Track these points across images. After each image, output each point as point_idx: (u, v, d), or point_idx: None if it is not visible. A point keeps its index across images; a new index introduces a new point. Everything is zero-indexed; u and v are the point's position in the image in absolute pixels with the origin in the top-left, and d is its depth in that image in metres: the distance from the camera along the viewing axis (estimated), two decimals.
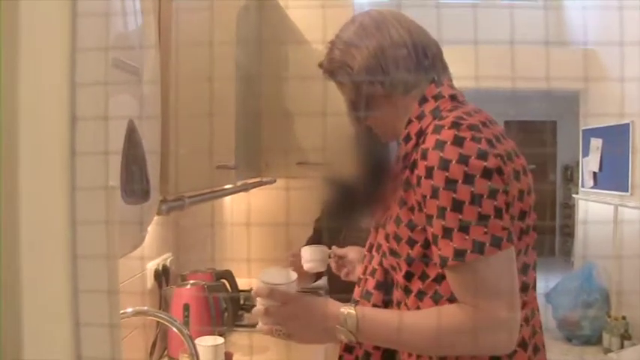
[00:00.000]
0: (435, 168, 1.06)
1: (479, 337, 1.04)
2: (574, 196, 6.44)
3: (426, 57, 1.20)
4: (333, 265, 1.68)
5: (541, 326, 1.22)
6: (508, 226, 1.06)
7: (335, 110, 1.23)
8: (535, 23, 6.31)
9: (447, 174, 1.04)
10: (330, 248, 1.71)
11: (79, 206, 0.57)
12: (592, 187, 5.74)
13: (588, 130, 5.83)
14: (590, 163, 5.77)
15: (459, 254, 1.04)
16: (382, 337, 1.14)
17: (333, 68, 1.25)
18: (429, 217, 1.08)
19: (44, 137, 0.57)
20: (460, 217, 1.04)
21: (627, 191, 5.02)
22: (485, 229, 1.03)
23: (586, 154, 5.85)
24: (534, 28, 6.19)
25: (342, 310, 1.13)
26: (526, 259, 1.15)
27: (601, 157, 5.54)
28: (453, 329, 1.06)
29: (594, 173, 5.69)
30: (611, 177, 5.36)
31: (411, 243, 1.13)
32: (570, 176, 8.53)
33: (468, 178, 1.03)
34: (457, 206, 1.04)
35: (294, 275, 1.22)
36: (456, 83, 1.26)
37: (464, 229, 1.03)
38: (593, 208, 5.65)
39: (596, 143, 5.61)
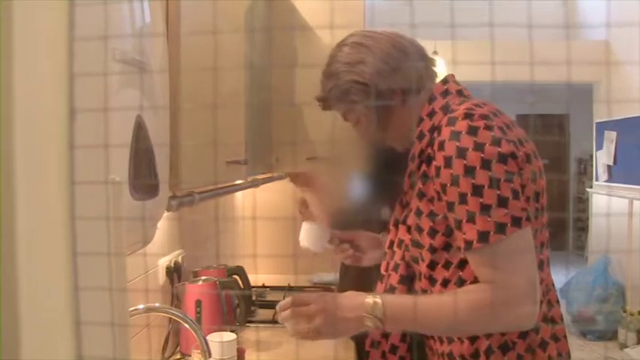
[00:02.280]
0: (453, 157, 1.11)
1: (502, 313, 1.09)
2: (588, 189, 6.38)
3: (423, 54, 1.27)
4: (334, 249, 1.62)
5: (558, 300, 1.29)
6: (525, 206, 1.11)
7: None
8: (547, 13, 6.25)
9: (464, 162, 1.10)
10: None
11: (79, 201, 0.56)
12: (606, 181, 5.68)
13: (602, 123, 5.75)
14: (604, 157, 5.70)
15: (483, 236, 1.10)
16: (408, 322, 1.16)
17: (339, 93, 1.26)
18: (451, 204, 1.13)
19: (41, 130, 0.56)
20: (481, 200, 1.09)
21: None
22: (506, 211, 1.09)
23: (600, 147, 5.78)
24: (546, 19, 6.13)
25: (367, 299, 1.15)
26: (542, 238, 1.22)
27: (615, 151, 5.47)
28: (476, 307, 1.10)
29: (608, 167, 5.62)
30: (626, 170, 5.30)
31: (433, 233, 1.19)
32: (584, 170, 8.46)
33: (485, 164, 1.09)
34: (477, 191, 1.09)
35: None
36: (467, 76, 1.29)
37: (485, 212, 1.09)
38: (608, 202, 5.58)
39: (610, 136, 5.54)
